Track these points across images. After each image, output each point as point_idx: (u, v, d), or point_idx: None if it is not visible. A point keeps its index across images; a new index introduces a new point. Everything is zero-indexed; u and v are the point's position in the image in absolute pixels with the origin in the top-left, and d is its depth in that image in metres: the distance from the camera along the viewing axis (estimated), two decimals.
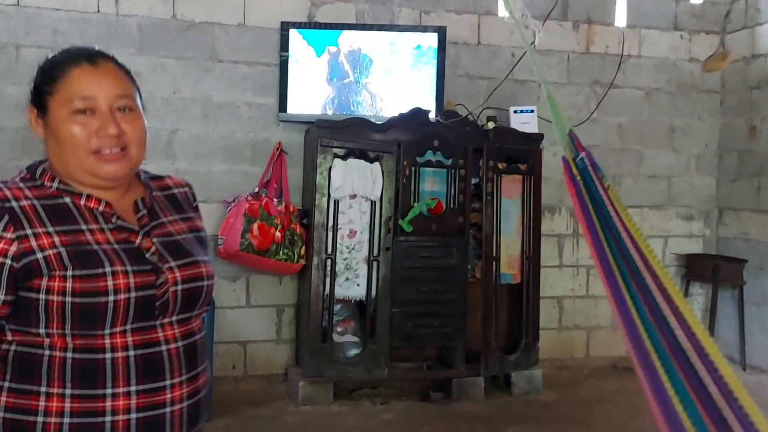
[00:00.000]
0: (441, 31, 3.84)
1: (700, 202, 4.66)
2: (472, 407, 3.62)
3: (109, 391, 1.11)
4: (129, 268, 1.13)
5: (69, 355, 1.10)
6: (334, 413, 3.49)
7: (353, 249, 3.59)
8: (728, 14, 4.55)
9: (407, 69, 3.84)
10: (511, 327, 3.92)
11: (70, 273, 1.09)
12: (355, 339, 3.67)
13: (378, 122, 3.58)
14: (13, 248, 1.09)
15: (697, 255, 4.57)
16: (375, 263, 3.57)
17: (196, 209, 1.36)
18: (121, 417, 1.11)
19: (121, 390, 1.11)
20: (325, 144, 3.49)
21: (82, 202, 1.17)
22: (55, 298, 1.09)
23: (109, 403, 1.11)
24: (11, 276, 1.09)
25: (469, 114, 3.83)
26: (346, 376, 3.60)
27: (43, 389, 1.10)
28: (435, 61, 3.81)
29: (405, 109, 3.63)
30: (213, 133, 3.81)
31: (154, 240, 1.20)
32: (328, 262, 3.54)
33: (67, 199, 1.17)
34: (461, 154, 3.65)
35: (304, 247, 3.62)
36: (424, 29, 3.90)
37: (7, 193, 1.13)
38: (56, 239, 1.11)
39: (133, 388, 1.12)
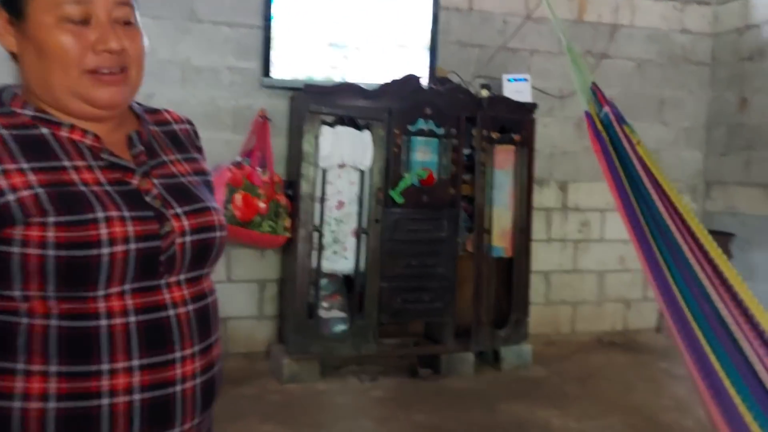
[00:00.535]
0: None
1: (687, 176, 4.62)
2: (462, 383, 3.54)
3: (105, 366, 0.90)
4: (126, 213, 0.92)
5: (53, 322, 0.89)
6: (321, 391, 3.37)
7: (341, 221, 3.44)
8: None
9: (399, 33, 3.67)
10: (500, 301, 3.83)
11: (51, 219, 0.87)
12: (342, 314, 3.54)
13: (368, 89, 3.42)
14: None
15: None
16: (364, 236, 3.43)
17: (200, 150, 1.13)
18: (121, 399, 0.90)
19: (120, 365, 0.90)
20: (313, 110, 3.31)
21: (64, 133, 0.95)
22: (33, 251, 0.87)
23: (105, 382, 0.89)
24: None
25: (463, 82, 3.69)
26: (333, 353, 3.47)
27: (20, 366, 0.89)
28: (429, 27, 3.65)
29: (396, 76, 3.47)
30: (192, 99, 3.60)
31: (155, 181, 0.99)
32: (315, 234, 3.39)
33: (45, 130, 0.94)
34: (454, 122, 3.51)
35: (288, 219, 3.46)
36: None
37: None
38: (32, 177, 0.89)
39: (135, 363, 0.91)
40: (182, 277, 0.98)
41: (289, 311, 3.49)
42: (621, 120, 1.67)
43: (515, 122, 3.68)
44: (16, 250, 0.88)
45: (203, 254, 1.01)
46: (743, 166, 4.33)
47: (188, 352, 0.96)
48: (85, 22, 0.93)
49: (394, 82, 3.44)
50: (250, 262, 3.75)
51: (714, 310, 1.40)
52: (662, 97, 4.51)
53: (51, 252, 0.87)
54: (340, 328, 3.49)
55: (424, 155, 3.50)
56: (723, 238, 4.36)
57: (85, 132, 0.96)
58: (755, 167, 4.26)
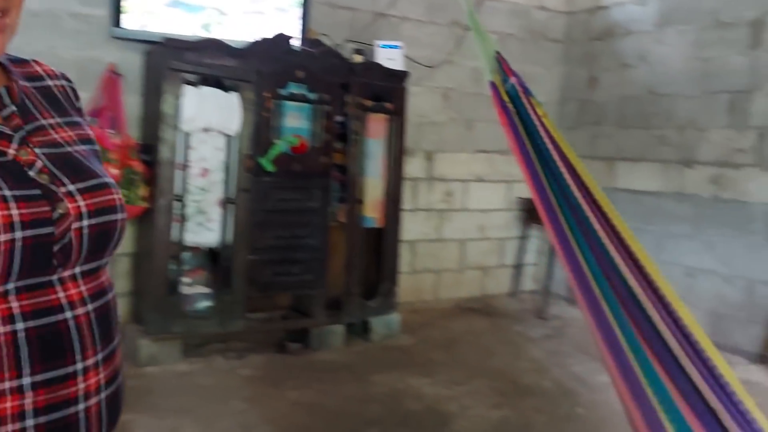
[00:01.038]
0: None
1: None
2: (332, 356, 3.47)
3: None
4: (8, 192, 0.72)
5: None
6: (184, 372, 3.14)
7: (206, 190, 3.19)
8: None
9: None
10: (368, 272, 3.80)
11: None
12: (206, 290, 3.31)
13: (236, 47, 3.16)
14: None
15: None
16: (231, 206, 3.21)
17: (80, 112, 0.93)
18: (9, 428, 0.73)
19: (7, 385, 0.73)
20: (174, 67, 3.00)
21: None
22: None
23: None
24: None
25: (335, 46, 3.54)
26: (196, 331, 3.24)
27: None
28: None
29: (266, 35, 3.24)
30: (27, 47, 3.06)
31: (38, 151, 0.79)
32: (177, 204, 3.11)
33: None
34: (327, 88, 3.36)
35: (145, 188, 3.14)
36: None
37: None
38: None
39: (26, 381, 0.74)
40: (78, 270, 0.79)
41: (146, 288, 3.19)
42: (527, 92, 1.64)
43: (388, 90, 3.61)
44: None
45: (103, 242, 0.82)
46: (590, 141, 4.62)
47: (91, 361, 0.79)
48: None
49: (264, 40, 3.21)
50: None
51: (623, 281, 1.42)
52: (522, 71, 4.63)
53: None
54: (204, 304, 3.26)
55: (295, 121, 3.32)
56: None
57: None
58: (600, 142, 4.56)
